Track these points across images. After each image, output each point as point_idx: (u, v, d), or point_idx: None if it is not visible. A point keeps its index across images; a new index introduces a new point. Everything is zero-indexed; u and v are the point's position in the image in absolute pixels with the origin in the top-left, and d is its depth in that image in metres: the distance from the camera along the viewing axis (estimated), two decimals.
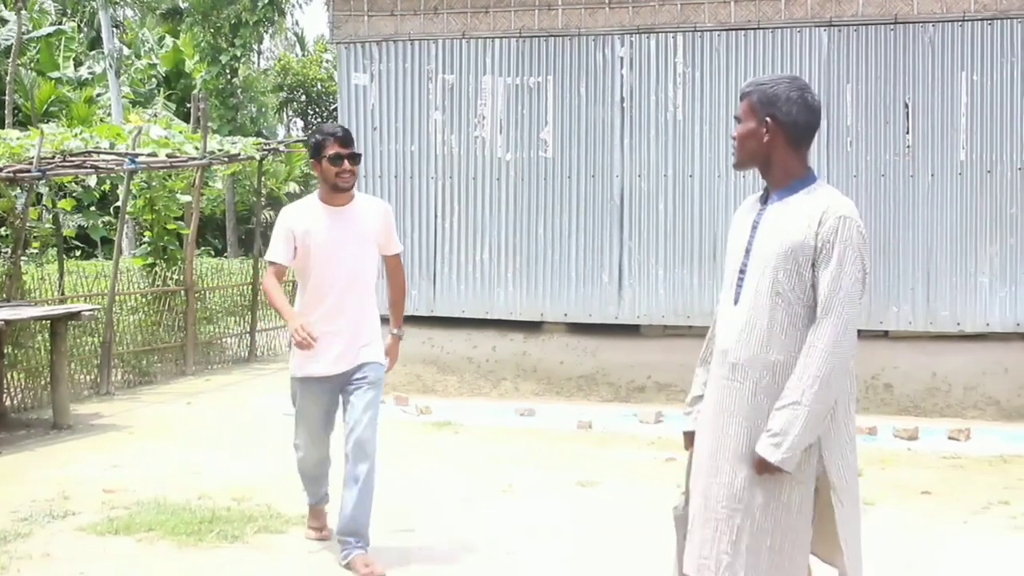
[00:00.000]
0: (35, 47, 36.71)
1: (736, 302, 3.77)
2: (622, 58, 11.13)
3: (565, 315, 11.29)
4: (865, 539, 6.62)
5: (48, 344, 10.87)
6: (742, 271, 3.78)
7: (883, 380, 10.56)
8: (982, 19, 10.35)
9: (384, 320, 6.31)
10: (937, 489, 7.84)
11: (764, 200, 3.86)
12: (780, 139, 3.77)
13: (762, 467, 3.64)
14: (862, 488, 7.65)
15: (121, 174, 13.15)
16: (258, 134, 34.04)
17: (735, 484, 3.71)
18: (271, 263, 6.04)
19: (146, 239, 15.08)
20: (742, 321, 3.74)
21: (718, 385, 3.79)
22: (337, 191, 6.02)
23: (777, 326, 3.68)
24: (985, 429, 9.87)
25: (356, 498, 5.89)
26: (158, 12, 39.31)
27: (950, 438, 9.53)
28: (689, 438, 4.04)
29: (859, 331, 11.32)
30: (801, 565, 3.75)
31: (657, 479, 7.96)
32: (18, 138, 13.30)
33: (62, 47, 37.16)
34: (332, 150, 5.95)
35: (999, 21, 10.33)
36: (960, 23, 10.38)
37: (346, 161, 5.98)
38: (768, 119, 3.75)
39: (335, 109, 20.92)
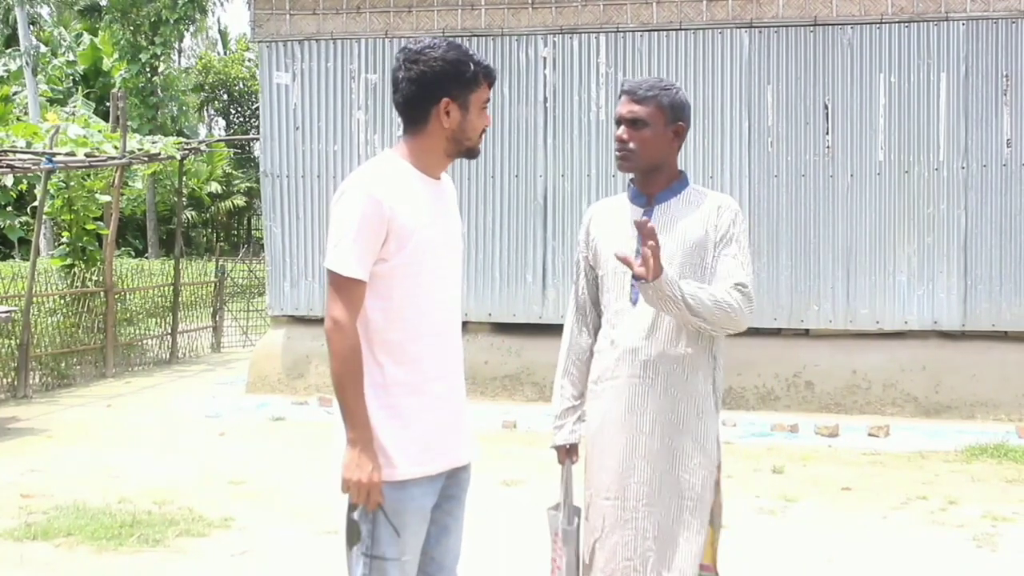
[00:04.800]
0: None
1: (635, 303, 3.79)
2: (545, 58, 11.15)
3: (489, 315, 11.30)
4: (787, 535, 6.70)
5: None
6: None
7: (804, 378, 10.68)
8: (899, 22, 10.50)
9: None
10: (857, 485, 7.95)
11: (642, 203, 3.86)
12: (678, 144, 3.86)
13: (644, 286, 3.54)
14: (784, 485, 7.79)
15: (38, 173, 12.94)
16: (179, 133, 33.73)
17: (654, 481, 3.76)
18: (347, 279, 3.28)
19: (64, 239, 14.87)
20: (648, 320, 3.76)
21: (626, 384, 3.80)
22: (469, 156, 3.52)
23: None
24: (904, 426, 10.02)
25: None
26: (76, 8, 38.76)
27: (870, 435, 9.66)
28: (564, 451, 4.04)
29: (780, 330, 11.38)
30: (703, 546, 3.82)
31: (581, 478, 7.97)
32: None
33: None
34: (487, 93, 3.45)
35: (915, 24, 10.49)
36: (878, 26, 10.53)
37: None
38: (680, 123, 3.82)
39: (257, 108, 20.74)
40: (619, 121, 3.84)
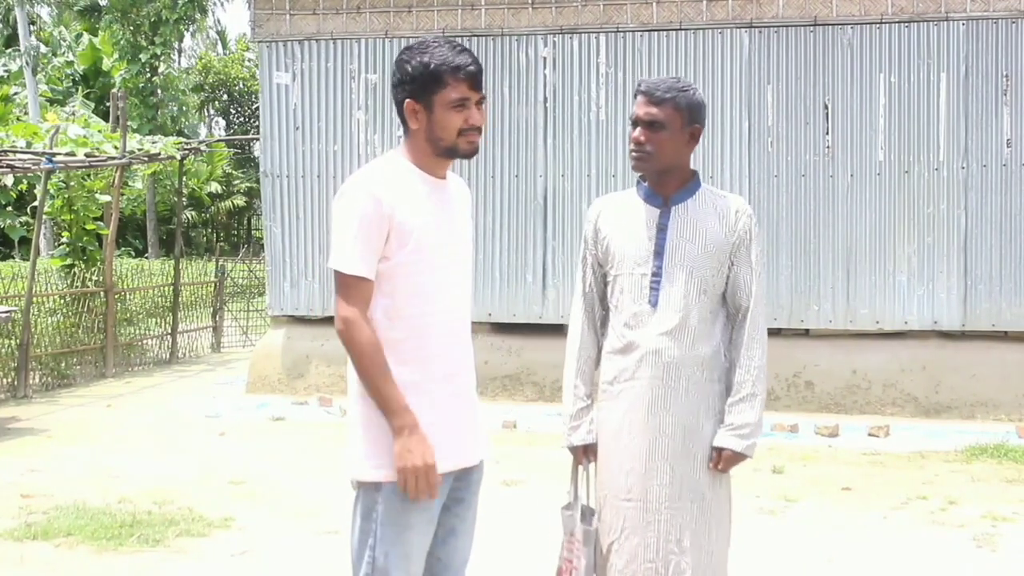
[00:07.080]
0: None
1: (654, 304, 3.80)
2: (545, 58, 11.15)
3: (489, 315, 11.29)
4: (787, 535, 6.70)
5: None
6: (656, 274, 3.80)
7: (804, 378, 10.68)
8: (899, 22, 10.50)
9: None
10: (857, 485, 7.94)
11: (658, 203, 3.86)
12: (693, 145, 3.85)
13: (731, 460, 3.78)
14: (784, 485, 7.78)
15: (38, 173, 12.94)
16: (179, 133, 33.71)
17: (676, 483, 3.77)
18: (351, 278, 3.29)
19: (64, 239, 14.87)
20: (672, 321, 3.77)
21: (648, 386, 3.80)
22: (455, 157, 3.42)
23: (703, 322, 3.79)
24: (904, 425, 10.02)
25: None
26: (76, 8, 38.75)
27: (870, 435, 9.66)
28: (583, 451, 3.99)
29: (780, 330, 11.40)
30: (727, 553, 3.88)
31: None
32: None
33: None
34: (457, 91, 3.31)
35: (915, 24, 10.49)
36: (878, 25, 10.52)
37: (476, 109, 3.37)
38: (696, 125, 3.80)
39: (257, 108, 20.71)
40: (636, 122, 3.81)
